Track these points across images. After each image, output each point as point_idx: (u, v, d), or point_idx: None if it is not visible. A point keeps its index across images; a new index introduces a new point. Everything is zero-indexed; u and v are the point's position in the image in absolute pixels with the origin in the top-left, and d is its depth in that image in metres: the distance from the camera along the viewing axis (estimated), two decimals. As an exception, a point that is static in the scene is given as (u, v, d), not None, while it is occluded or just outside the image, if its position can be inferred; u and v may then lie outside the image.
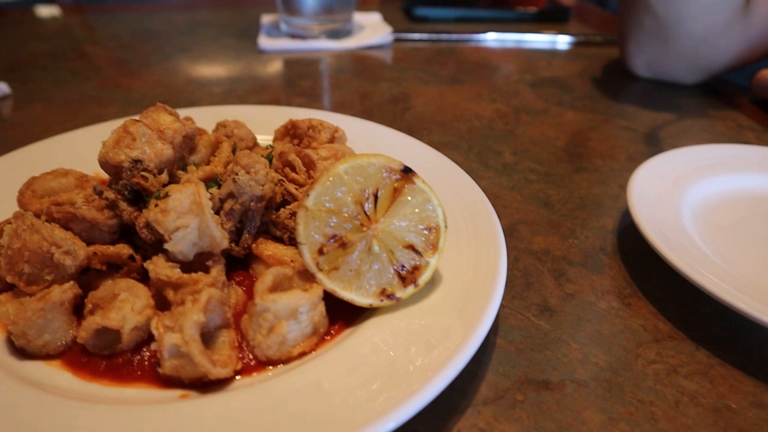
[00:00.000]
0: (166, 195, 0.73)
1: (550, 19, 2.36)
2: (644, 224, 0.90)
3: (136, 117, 0.87)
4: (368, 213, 0.74)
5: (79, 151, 1.07)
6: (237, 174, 0.78)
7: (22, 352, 0.71)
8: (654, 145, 1.35)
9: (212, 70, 1.83)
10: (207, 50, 1.98)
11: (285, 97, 1.59)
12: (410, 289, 0.74)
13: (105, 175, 0.94)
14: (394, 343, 0.69)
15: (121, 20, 2.33)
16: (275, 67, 1.85)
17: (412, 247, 0.74)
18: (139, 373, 0.69)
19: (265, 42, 1.94)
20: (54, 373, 0.69)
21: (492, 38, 2.11)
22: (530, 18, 2.37)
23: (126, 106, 1.52)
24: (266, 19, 2.17)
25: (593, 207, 1.11)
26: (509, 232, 1.02)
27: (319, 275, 0.73)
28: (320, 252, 0.72)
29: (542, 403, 0.71)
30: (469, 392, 0.72)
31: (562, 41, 2.11)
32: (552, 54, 2.01)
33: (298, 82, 1.71)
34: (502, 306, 0.83)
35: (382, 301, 0.73)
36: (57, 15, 2.45)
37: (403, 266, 0.74)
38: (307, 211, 0.72)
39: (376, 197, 0.74)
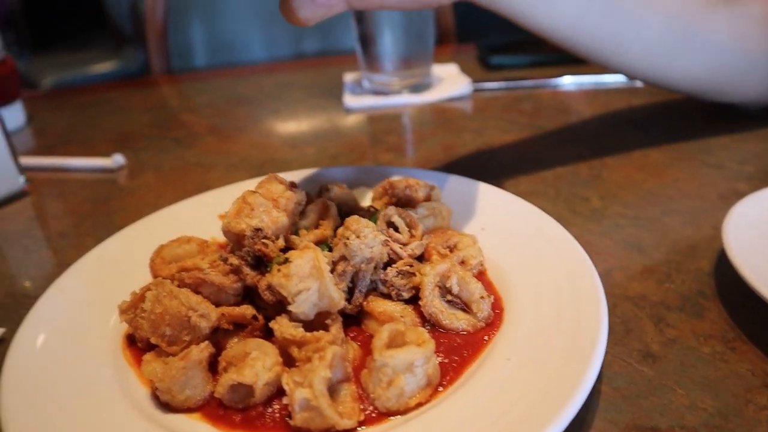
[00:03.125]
0: (286, 260, 0.81)
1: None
2: (743, 266, 0.89)
3: (253, 188, 0.96)
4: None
5: (193, 218, 1.17)
6: (348, 239, 0.85)
7: (166, 406, 0.79)
8: (745, 181, 1.34)
9: (302, 130, 1.94)
10: (295, 111, 2.10)
11: (373, 154, 1.68)
12: (516, 341, 0.78)
13: (221, 239, 1.04)
14: (503, 394, 0.73)
15: (213, 87, 2.50)
16: (361, 124, 1.94)
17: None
18: (271, 424, 0.76)
19: (350, 100, 2.04)
20: (195, 425, 0.77)
21: (568, 81, 2.14)
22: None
23: (228, 169, 1.64)
24: (348, 77, 2.28)
25: (687, 250, 1.12)
26: (604, 279, 1.03)
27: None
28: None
29: (653, 450, 0.73)
30: (579, 440, 0.75)
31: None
32: (630, 92, 2.01)
33: (384, 138, 1.80)
34: (604, 353, 0.86)
35: (490, 352, 0.77)
36: (154, 86, 2.66)
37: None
38: None
39: None
